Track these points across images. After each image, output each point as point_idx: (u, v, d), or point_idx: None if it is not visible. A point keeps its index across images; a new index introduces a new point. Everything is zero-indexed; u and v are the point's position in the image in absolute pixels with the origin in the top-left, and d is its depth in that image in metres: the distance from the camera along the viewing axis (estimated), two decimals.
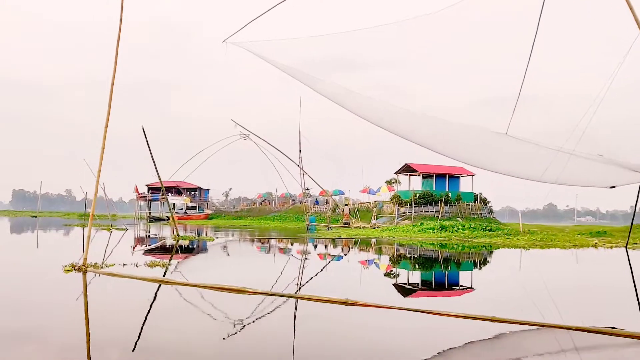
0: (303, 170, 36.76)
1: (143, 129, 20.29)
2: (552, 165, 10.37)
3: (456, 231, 27.05)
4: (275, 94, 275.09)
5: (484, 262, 15.54)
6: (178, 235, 21.27)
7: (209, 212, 69.43)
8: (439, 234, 26.51)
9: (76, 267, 9.22)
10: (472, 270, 12.83)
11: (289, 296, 7.18)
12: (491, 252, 18.23)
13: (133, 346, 4.56)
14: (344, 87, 11.16)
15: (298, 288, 8.31)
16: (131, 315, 5.98)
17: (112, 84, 9.81)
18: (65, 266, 9.36)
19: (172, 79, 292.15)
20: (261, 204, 71.86)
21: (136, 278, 8.47)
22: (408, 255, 16.59)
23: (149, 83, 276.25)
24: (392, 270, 11.81)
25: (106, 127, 9.87)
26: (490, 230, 27.51)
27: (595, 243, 22.71)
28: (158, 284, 8.04)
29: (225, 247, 19.01)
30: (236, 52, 10.43)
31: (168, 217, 66.03)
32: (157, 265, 10.28)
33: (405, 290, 8.77)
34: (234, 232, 30.87)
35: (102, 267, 9.48)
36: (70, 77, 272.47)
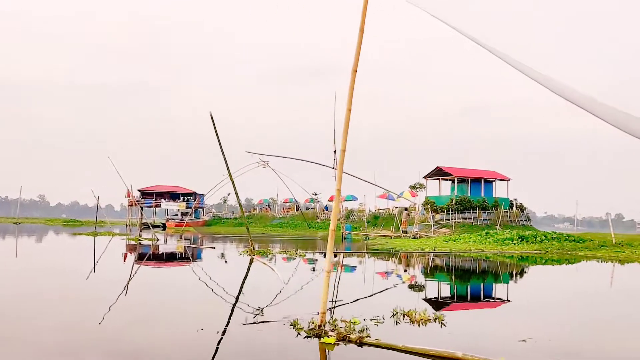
0: (344, 172, 33.27)
1: (211, 115, 16.71)
2: None
3: (540, 242, 24.06)
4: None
5: None
6: (254, 249, 17.59)
7: (206, 218, 65.37)
8: (522, 246, 23.43)
9: (332, 336, 5.17)
10: None
11: None
12: None
13: None
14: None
15: None
16: None
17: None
18: (311, 336, 5.30)
19: (160, 80, 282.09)
20: (261, 210, 68.21)
21: None
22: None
23: (139, 84, 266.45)
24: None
25: (347, 122, 6.33)
26: (574, 241, 24.64)
27: None
28: None
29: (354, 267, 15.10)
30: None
31: (163, 224, 61.31)
32: (425, 320, 6.15)
33: None
34: (271, 243, 27.03)
35: (349, 329, 5.38)
36: (38, 76, 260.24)
